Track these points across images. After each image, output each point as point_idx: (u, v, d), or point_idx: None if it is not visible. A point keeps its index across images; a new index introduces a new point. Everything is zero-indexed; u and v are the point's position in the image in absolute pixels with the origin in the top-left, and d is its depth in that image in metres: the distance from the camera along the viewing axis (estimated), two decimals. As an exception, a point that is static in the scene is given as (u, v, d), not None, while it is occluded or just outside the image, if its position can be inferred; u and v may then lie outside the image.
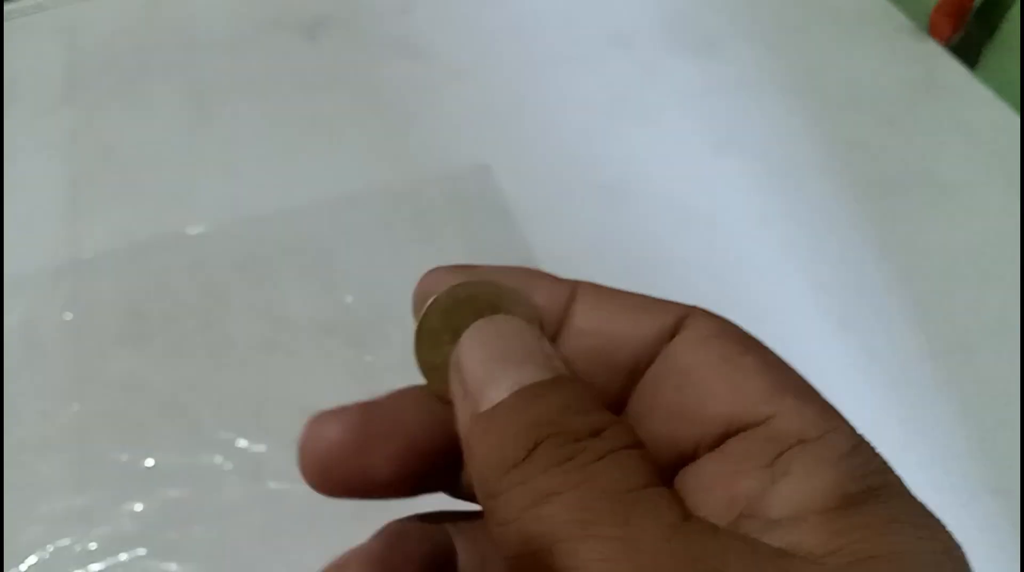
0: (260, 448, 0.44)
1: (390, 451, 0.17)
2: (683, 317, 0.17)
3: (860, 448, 0.15)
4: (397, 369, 0.52)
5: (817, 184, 0.57)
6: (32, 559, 0.41)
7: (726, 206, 0.56)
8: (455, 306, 0.18)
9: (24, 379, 0.48)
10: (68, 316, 0.50)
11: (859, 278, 0.52)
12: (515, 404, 0.15)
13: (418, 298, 0.19)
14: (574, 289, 0.18)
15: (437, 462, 0.18)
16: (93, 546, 0.41)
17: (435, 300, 0.18)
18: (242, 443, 0.45)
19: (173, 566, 0.41)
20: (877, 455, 0.15)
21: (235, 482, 0.43)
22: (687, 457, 0.16)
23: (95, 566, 0.41)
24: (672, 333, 0.17)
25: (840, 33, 0.67)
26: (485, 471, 0.14)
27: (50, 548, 0.41)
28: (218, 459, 0.44)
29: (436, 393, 0.18)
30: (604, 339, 0.17)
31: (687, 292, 0.57)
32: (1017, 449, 0.43)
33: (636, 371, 0.17)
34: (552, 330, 0.18)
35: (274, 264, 0.53)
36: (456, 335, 0.17)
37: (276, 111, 0.63)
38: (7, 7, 0.71)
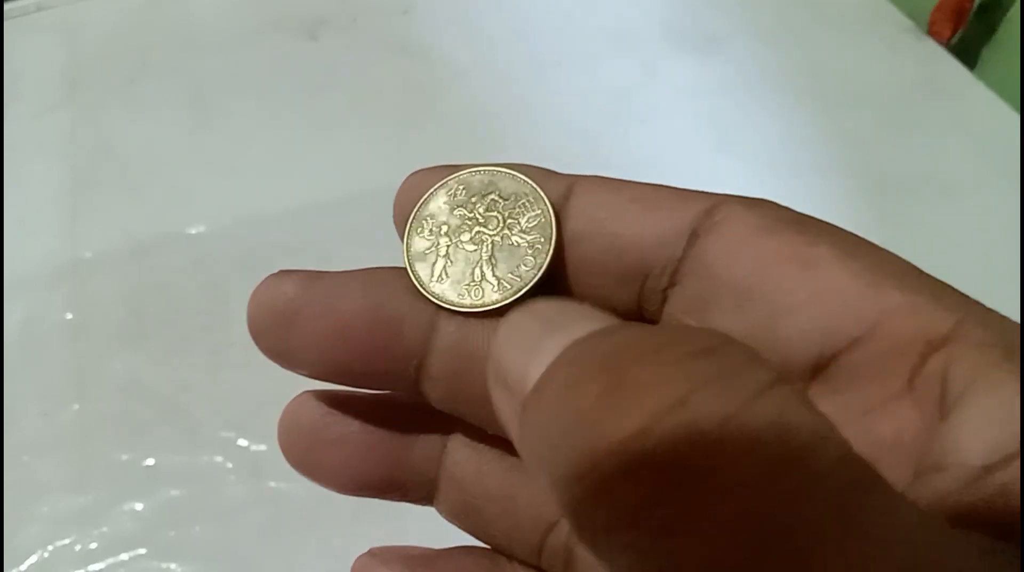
0: (260, 447, 0.44)
1: (343, 316, 0.16)
2: (711, 209, 0.13)
3: (1007, 329, 0.11)
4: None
5: (817, 183, 0.57)
6: (32, 559, 0.41)
7: (726, 206, 0.56)
8: (468, 194, 0.16)
9: (24, 379, 0.48)
10: (68, 316, 0.50)
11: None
12: (569, 356, 0.10)
13: (407, 198, 0.17)
14: (571, 186, 0.15)
15: (395, 346, 0.16)
16: (93, 546, 0.41)
17: (444, 184, 0.16)
18: (242, 442, 0.45)
19: (173, 566, 0.41)
20: None
21: (235, 482, 0.43)
22: None
23: (95, 566, 0.41)
24: (695, 230, 0.13)
25: (840, 33, 0.67)
26: (557, 444, 0.09)
27: (50, 548, 0.41)
28: (218, 459, 0.44)
29: (417, 287, 0.16)
30: (606, 242, 0.14)
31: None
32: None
33: (652, 281, 0.13)
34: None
35: (274, 264, 0.52)
36: (473, 223, 0.16)
37: (277, 111, 0.63)
38: (7, 6, 0.71)
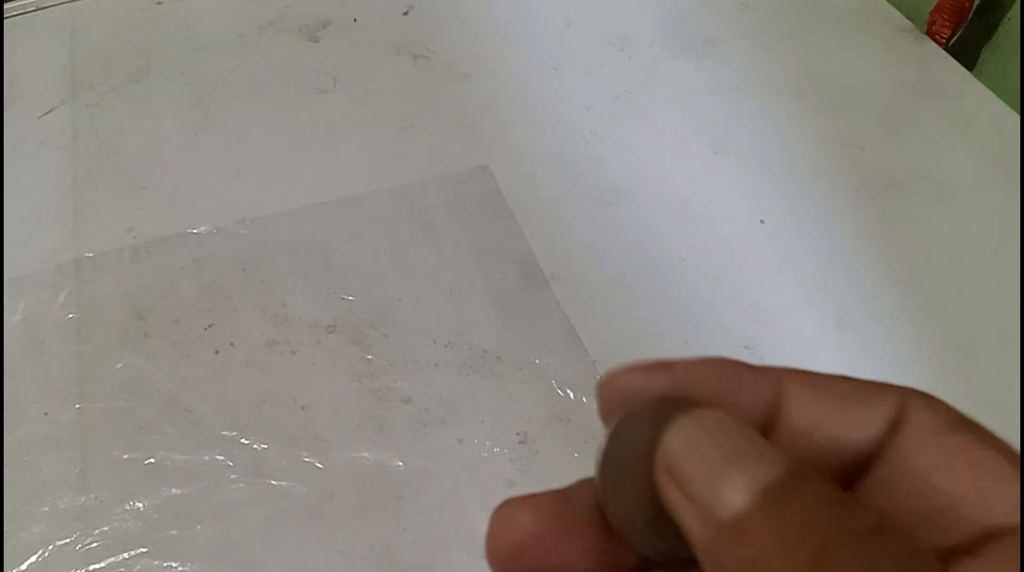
0: (262, 446, 0.45)
1: (588, 543, 0.16)
2: (902, 406, 0.16)
3: None
4: (397, 367, 0.52)
5: (816, 184, 0.57)
6: (33, 557, 0.41)
7: (724, 206, 0.56)
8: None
9: (26, 378, 0.48)
10: (70, 315, 0.50)
11: (858, 278, 0.52)
12: (767, 506, 0.13)
13: (608, 401, 0.17)
14: (780, 382, 0.17)
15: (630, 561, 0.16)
16: (94, 545, 0.42)
17: (632, 416, 0.16)
18: (244, 441, 0.45)
19: (175, 564, 0.41)
20: None
21: (236, 480, 0.44)
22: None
23: (96, 565, 0.41)
24: (896, 425, 0.16)
25: (838, 34, 0.68)
26: None
27: (51, 546, 0.42)
28: (220, 457, 0.44)
29: (616, 514, 0.16)
30: (824, 439, 0.16)
31: (686, 292, 0.57)
32: (1017, 449, 0.44)
33: (859, 471, 0.16)
34: (761, 429, 0.16)
35: (276, 264, 0.53)
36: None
37: (278, 112, 0.63)
38: (7, 6, 0.71)
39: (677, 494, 0.15)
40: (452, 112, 0.62)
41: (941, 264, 0.52)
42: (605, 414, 0.17)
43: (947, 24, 0.64)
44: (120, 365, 0.48)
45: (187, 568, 0.41)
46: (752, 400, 0.16)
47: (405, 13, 0.70)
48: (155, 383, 0.47)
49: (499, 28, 0.69)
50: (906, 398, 0.16)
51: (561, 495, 0.16)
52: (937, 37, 0.65)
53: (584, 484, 0.16)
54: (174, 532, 0.42)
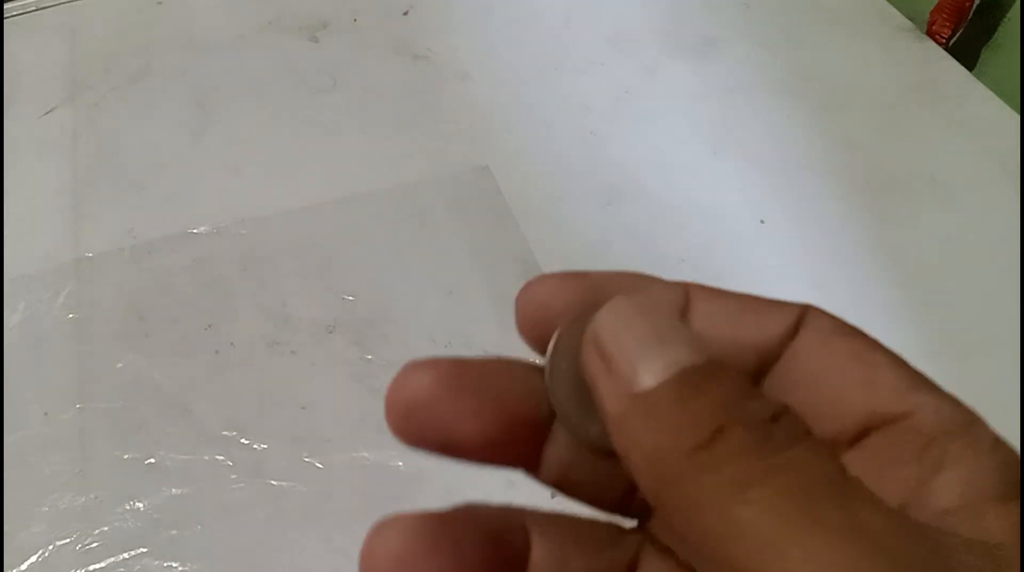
0: (262, 446, 0.45)
1: (477, 408, 0.16)
2: (801, 315, 0.17)
3: (1000, 439, 0.15)
4: (397, 367, 0.52)
5: (816, 184, 0.57)
6: (33, 558, 0.41)
7: (725, 206, 0.56)
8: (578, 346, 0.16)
9: (26, 378, 0.48)
10: (70, 315, 0.50)
11: (858, 278, 0.52)
12: (680, 386, 0.14)
13: (526, 310, 0.17)
14: (687, 292, 0.18)
15: (523, 434, 0.17)
16: (94, 545, 0.42)
17: (559, 337, 0.16)
18: (244, 441, 0.45)
19: (175, 564, 0.41)
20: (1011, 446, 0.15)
21: (237, 480, 0.44)
22: None
23: (96, 565, 0.41)
24: (793, 332, 0.17)
25: (838, 33, 0.67)
26: (658, 453, 0.14)
27: (51, 547, 0.42)
28: (220, 457, 0.44)
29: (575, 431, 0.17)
30: (727, 343, 0.17)
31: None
32: (1017, 449, 0.43)
33: (759, 373, 0.17)
34: None
35: (276, 264, 0.53)
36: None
37: (278, 112, 0.63)
38: (7, 6, 0.71)
39: (598, 364, 0.15)
40: (452, 112, 0.62)
41: (941, 264, 0.52)
42: (522, 324, 0.18)
43: (947, 24, 0.64)
44: (120, 365, 0.48)
45: (187, 568, 0.41)
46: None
47: (405, 13, 0.70)
48: (155, 383, 0.47)
49: (499, 28, 0.69)
50: (803, 310, 0.17)
51: (460, 361, 0.17)
52: (937, 37, 0.65)
53: (489, 359, 0.17)
54: (174, 532, 0.42)
